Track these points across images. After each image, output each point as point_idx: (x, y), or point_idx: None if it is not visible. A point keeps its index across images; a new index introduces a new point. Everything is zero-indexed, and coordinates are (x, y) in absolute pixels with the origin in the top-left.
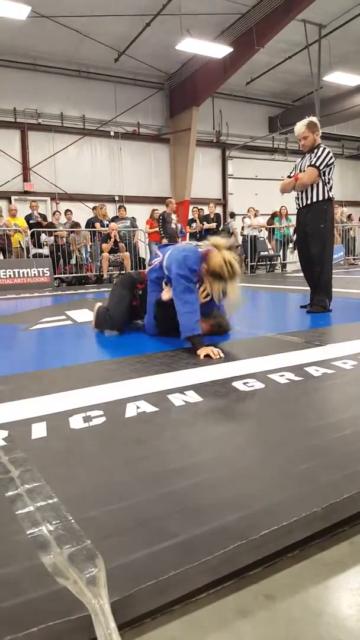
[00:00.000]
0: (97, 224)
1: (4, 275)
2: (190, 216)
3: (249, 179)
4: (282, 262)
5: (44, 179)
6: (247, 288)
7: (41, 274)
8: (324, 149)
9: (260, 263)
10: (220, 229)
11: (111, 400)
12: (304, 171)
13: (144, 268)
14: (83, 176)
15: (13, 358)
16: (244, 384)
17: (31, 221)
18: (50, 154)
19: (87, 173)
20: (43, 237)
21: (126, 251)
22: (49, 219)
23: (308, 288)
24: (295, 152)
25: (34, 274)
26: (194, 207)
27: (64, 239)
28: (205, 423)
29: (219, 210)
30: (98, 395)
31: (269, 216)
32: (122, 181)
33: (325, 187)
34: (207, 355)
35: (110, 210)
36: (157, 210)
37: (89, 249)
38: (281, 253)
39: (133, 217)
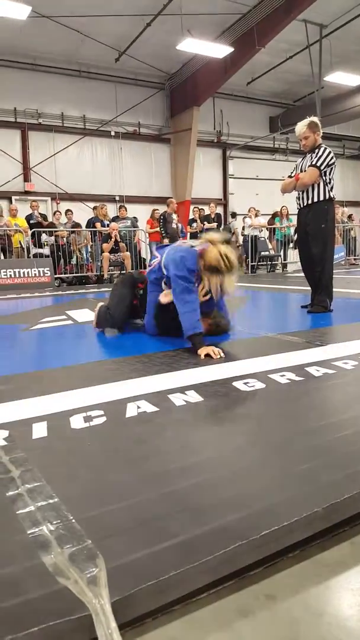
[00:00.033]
0: (98, 224)
1: (4, 275)
2: (191, 216)
3: (249, 179)
4: (282, 262)
5: (45, 179)
6: (247, 288)
7: (42, 274)
8: (325, 149)
9: (261, 263)
10: (221, 229)
11: (112, 400)
12: (304, 171)
13: (145, 268)
14: (84, 176)
15: (14, 358)
16: (245, 384)
17: (32, 221)
18: (50, 154)
19: (87, 173)
20: (44, 237)
21: (127, 251)
22: (50, 219)
23: (309, 288)
24: (296, 152)
25: (35, 274)
26: (194, 207)
27: (65, 238)
28: (206, 423)
29: (219, 210)
30: (99, 395)
31: (270, 216)
32: (123, 181)
33: (326, 187)
34: (208, 355)
35: (111, 210)
36: (157, 210)
37: (89, 249)
38: (282, 253)
39: (135, 217)
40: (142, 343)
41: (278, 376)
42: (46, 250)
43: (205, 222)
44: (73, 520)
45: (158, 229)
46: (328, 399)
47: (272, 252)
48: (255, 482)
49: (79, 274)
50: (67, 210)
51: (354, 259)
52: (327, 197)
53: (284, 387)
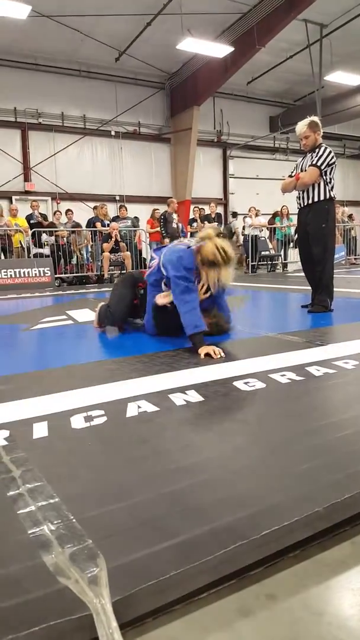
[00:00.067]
0: (98, 224)
1: (5, 275)
2: (191, 216)
3: (250, 179)
4: (283, 261)
5: (45, 178)
6: (248, 288)
7: (42, 274)
8: (326, 148)
9: (262, 263)
10: (222, 228)
11: (112, 400)
12: (305, 171)
13: (145, 268)
14: (84, 176)
15: (14, 358)
16: (245, 383)
17: (32, 221)
18: (51, 154)
19: (87, 173)
20: (44, 237)
21: (127, 251)
22: (50, 219)
23: (309, 288)
24: (296, 151)
25: (35, 274)
26: (195, 207)
27: (65, 238)
28: (207, 423)
29: (220, 210)
30: (99, 395)
31: (270, 216)
32: (123, 181)
33: (327, 187)
34: (208, 355)
35: (111, 210)
36: (158, 210)
37: (89, 249)
38: (282, 253)
39: (136, 217)
40: (143, 343)
41: (278, 376)
42: (46, 250)
43: (205, 222)
44: (74, 520)
45: (158, 228)
46: (328, 398)
47: (272, 252)
48: (255, 481)
49: (79, 274)
50: (68, 210)
51: (355, 259)
52: (328, 196)
53: (285, 386)
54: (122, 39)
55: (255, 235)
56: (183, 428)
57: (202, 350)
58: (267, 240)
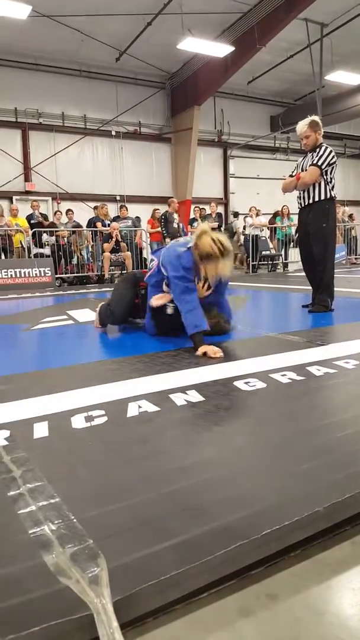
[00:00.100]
0: (99, 224)
1: (5, 275)
2: (192, 216)
3: (250, 179)
4: (283, 261)
5: (45, 178)
6: (248, 288)
7: (43, 274)
8: (326, 148)
9: (262, 262)
10: (223, 228)
11: (113, 400)
12: (306, 170)
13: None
14: (84, 176)
15: (15, 358)
16: (246, 383)
17: (32, 221)
18: (51, 154)
19: (88, 173)
20: (44, 237)
21: (127, 251)
22: (51, 219)
23: (310, 287)
24: (297, 151)
25: (36, 274)
26: (195, 207)
27: (65, 238)
28: (207, 422)
29: (220, 209)
30: (100, 395)
31: (271, 215)
32: (124, 181)
33: (327, 187)
34: (206, 354)
35: (112, 210)
36: (158, 210)
37: (90, 249)
38: (283, 252)
39: (137, 217)
40: (143, 343)
41: (279, 376)
42: (47, 250)
43: (206, 222)
44: (74, 520)
45: (159, 229)
46: (329, 398)
47: (273, 252)
48: (256, 481)
49: (80, 274)
50: (68, 210)
51: (355, 259)
52: (328, 196)
53: (285, 386)
54: (123, 39)
55: (256, 235)
56: (184, 428)
57: (201, 350)
58: (268, 240)
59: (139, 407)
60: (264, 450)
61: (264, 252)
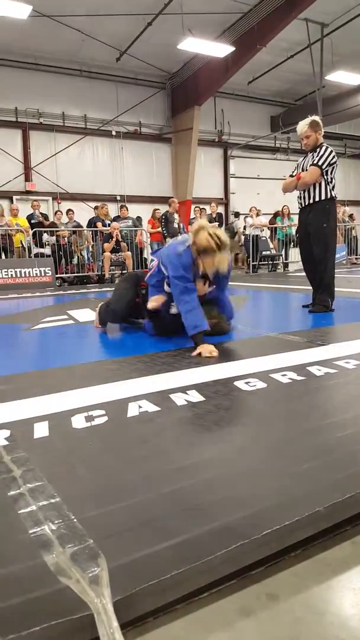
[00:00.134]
0: (99, 224)
1: (5, 275)
2: (192, 216)
3: (251, 179)
4: (284, 261)
5: (46, 178)
6: (249, 288)
7: (43, 274)
8: (327, 148)
9: (263, 262)
10: (223, 228)
11: (113, 400)
12: (306, 170)
13: (147, 267)
14: (85, 176)
15: (15, 358)
16: (246, 383)
17: (33, 221)
18: (51, 154)
19: (88, 173)
20: (45, 236)
21: (128, 251)
22: (51, 219)
23: (310, 287)
24: (297, 151)
25: (36, 274)
26: (196, 207)
27: (66, 238)
28: (207, 422)
29: (221, 209)
30: (100, 395)
31: (271, 215)
32: (124, 181)
33: (328, 187)
34: (200, 354)
35: (112, 209)
36: (159, 210)
37: (90, 249)
38: (283, 252)
39: (139, 217)
40: (144, 343)
41: (279, 376)
42: (47, 250)
43: (204, 218)
44: (75, 520)
45: (159, 229)
46: (330, 398)
47: (273, 252)
48: (256, 481)
49: (80, 274)
50: (68, 210)
51: (355, 259)
52: (329, 196)
53: (286, 386)
54: (123, 39)
55: (257, 235)
56: (184, 428)
57: (197, 350)
58: (268, 240)
59: (140, 407)
60: (265, 450)
61: (264, 252)
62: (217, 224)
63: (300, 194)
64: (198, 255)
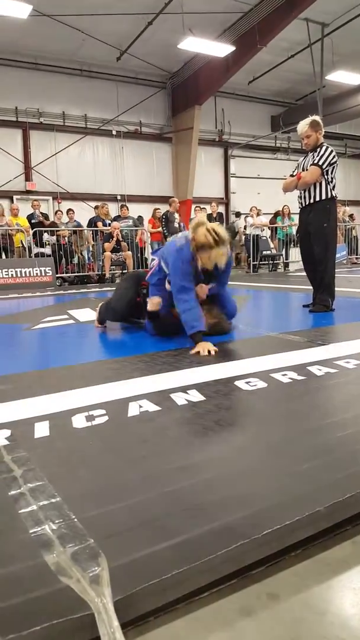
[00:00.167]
0: (99, 223)
1: (6, 274)
2: (192, 215)
3: (251, 178)
4: (284, 261)
5: (46, 178)
6: (249, 288)
7: (43, 274)
8: (327, 147)
9: (263, 262)
10: (225, 228)
11: (114, 400)
12: (306, 170)
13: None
14: (85, 175)
15: (15, 357)
16: (247, 383)
17: (33, 220)
18: (52, 153)
19: (89, 172)
20: (45, 236)
21: (128, 250)
22: (51, 219)
23: (310, 287)
24: (297, 151)
25: (36, 274)
26: (196, 207)
27: (66, 238)
28: (208, 422)
29: (221, 209)
30: (100, 395)
31: (272, 215)
32: (124, 180)
33: (328, 186)
34: (198, 353)
35: (113, 209)
36: (159, 209)
37: (90, 249)
38: (284, 252)
39: (140, 216)
40: (144, 342)
41: (280, 375)
42: (48, 250)
43: (203, 214)
44: (75, 520)
45: (160, 228)
46: (330, 398)
47: (274, 252)
48: (257, 481)
49: (81, 274)
50: (69, 210)
51: (356, 258)
52: (329, 196)
53: (286, 386)
54: (123, 38)
55: (257, 235)
56: (184, 428)
57: (196, 348)
58: (269, 239)
59: (140, 406)
60: (265, 449)
61: (264, 252)
62: (217, 223)
63: (300, 193)
64: (197, 251)
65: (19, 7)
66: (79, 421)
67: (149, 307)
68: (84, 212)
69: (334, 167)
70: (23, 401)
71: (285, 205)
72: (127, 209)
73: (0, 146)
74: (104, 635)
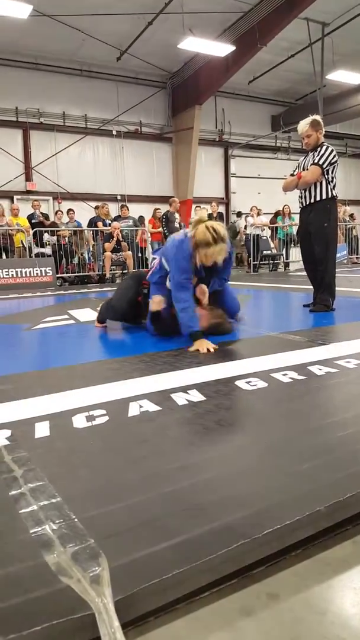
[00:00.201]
0: (100, 223)
1: (6, 274)
2: (193, 215)
3: (251, 178)
4: (285, 261)
5: (46, 178)
6: (250, 287)
7: (44, 274)
8: (328, 147)
9: (263, 262)
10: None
11: (114, 400)
12: (307, 169)
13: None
14: (85, 175)
15: (16, 358)
16: (247, 382)
17: (33, 220)
18: (52, 153)
19: (89, 172)
20: (45, 236)
21: (128, 250)
22: (52, 219)
23: (311, 287)
24: (298, 150)
25: (37, 274)
26: (196, 206)
27: (67, 238)
28: (208, 422)
29: (221, 209)
30: (101, 395)
31: (272, 215)
32: (125, 180)
33: (329, 186)
34: (198, 350)
35: (113, 209)
36: (159, 209)
37: (91, 249)
38: (284, 252)
39: (141, 216)
40: (145, 342)
41: (280, 375)
42: (48, 250)
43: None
44: (75, 520)
45: (160, 228)
46: (331, 397)
47: (274, 251)
48: (257, 480)
49: (81, 274)
50: (69, 210)
51: (356, 258)
52: (330, 195)
53: (286, 386)
54: (124, 38)
55: (257, 235)
56: (185, 428)
57: (194, 346)
58: (269, 239)
59: (140, 406)
60: (265, 449)
61: (265, 252)
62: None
63: (301, 193)
64: (196, 248)
65: (19, 7)
66: (79, 421)
67: (152, 307)
68: (84, 212)
69: (334, 167)
70: (23, 401)
71: (285, 205)
72: (128, 209)
73: (1, 146)
74: (105, 636)
